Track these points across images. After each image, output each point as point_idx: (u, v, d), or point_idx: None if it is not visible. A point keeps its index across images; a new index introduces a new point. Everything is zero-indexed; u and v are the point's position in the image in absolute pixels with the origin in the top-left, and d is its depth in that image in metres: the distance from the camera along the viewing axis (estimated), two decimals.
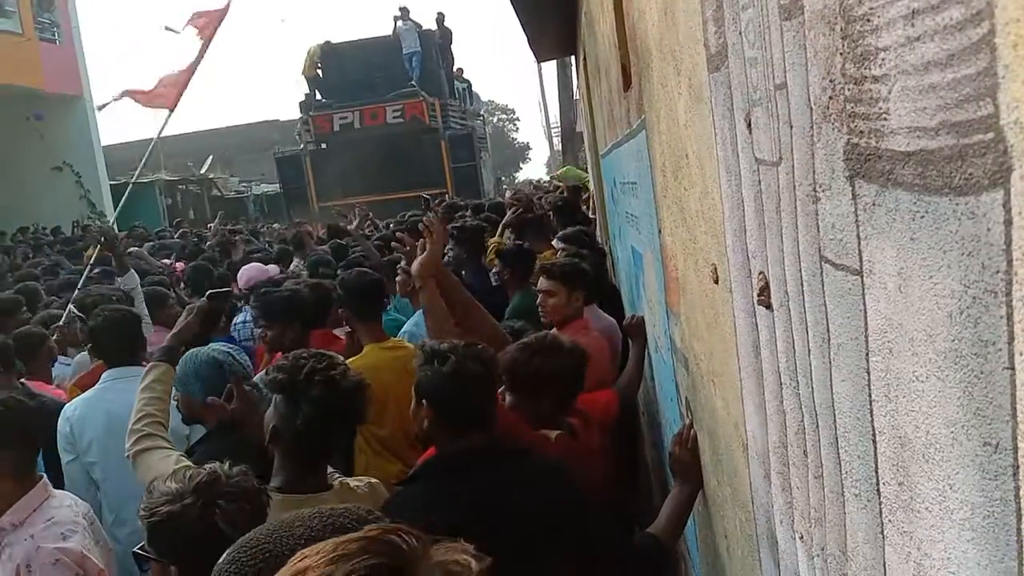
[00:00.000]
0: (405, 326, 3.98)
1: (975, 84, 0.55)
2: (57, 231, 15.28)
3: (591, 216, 8.02)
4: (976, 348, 0.58)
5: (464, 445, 2.07)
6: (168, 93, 6.32)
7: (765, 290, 1.13)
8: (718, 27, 1.24)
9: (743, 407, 1.43)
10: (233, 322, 4.58)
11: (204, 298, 2.73)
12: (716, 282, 1.53)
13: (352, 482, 2.17)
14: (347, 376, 2.06)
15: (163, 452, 2.21)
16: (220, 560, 1.07)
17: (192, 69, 6.33)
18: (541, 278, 3.46)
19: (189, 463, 2.10)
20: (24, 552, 2.14)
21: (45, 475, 2.35)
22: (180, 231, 14.41)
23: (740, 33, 1.11)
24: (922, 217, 0.64)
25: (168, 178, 22.68)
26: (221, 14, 6.49)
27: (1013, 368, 0.54)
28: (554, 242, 5.54)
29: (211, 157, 27.59)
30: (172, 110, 6.29)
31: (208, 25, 6.42)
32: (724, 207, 1.35)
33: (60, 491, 2.38)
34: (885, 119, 0.68)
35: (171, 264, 8.52)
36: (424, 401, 2.11)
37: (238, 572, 1.02)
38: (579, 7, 5.80)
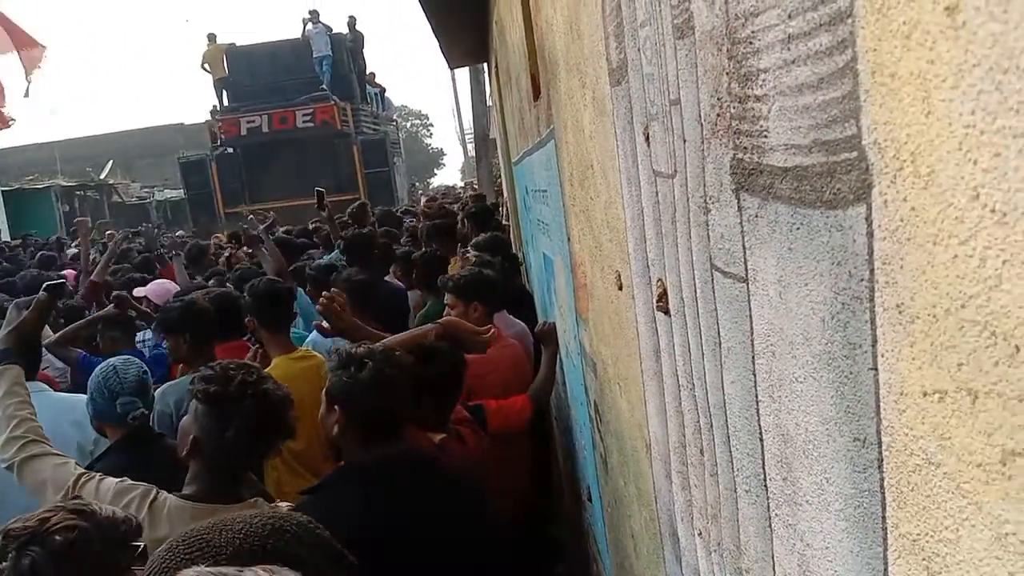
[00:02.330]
0: (311, 336, 3.92)
1: (841, 106, 0.60)
2: None
3: (504, 222, 8.08)
4: (846, 351, 0.63)
5: (374, 454, 2.06)
6: None
7: (663, 296, 1.18)
8: (619, 43, 1.29)
9: (646, 409, 1.47)
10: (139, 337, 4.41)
11: (42, 291, 2.59)
12: (620, 289, 1.57)
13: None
14: (276, 388, 2.01)
15: (57, 459, 2.05)
16: (159, 549, 1.07)
17: None
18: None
19: (99, 473, 2.01)
20: None
21: None
22: (76, 240, 13.78)
23: (639, 50, 1.16)
24: (798, 229, 0.69)
25: (65, 184, 21.65)
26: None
27: (877, 369, 0.59)
28: (468, 248, 5.55)
29: (111, 162, 26.54)
30: None
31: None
32: (626, 216, 1.40)
33: None
34: (766, 136, 0.73)
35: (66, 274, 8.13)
36: (336, 406, 2.09)
37: (172, 559, 1.02)
38: (491, 16, 5.85)
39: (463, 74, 15.66)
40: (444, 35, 7.65)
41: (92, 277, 5.41)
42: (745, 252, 0.82)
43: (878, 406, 0.59)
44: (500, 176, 11.52)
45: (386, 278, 5.02)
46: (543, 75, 2.63)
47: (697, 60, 0.90)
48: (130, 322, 4.22)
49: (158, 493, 1.92)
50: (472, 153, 21.14)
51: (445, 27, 7.17)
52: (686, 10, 0.92)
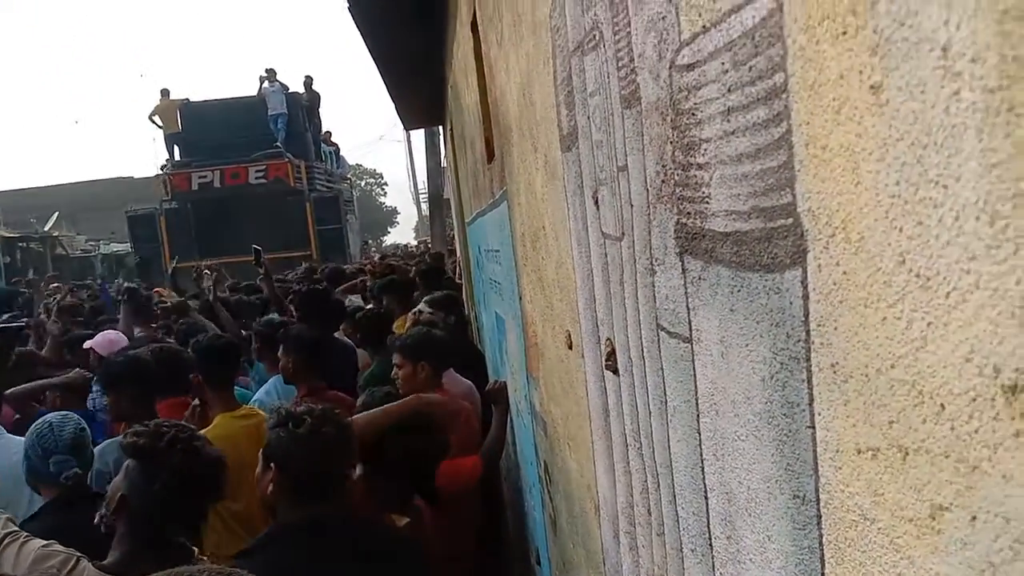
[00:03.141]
0: (257, 394, 3.84)
1: (777, 175, 0.63)
2: None
3: (458, 280, 8.11)
4: (785, 409, 0.65)
5: (306, 513, 2.00)
6: None
7: (612, 356, 1.20)
8: (569, 111, 1.33)
9: (595, 469, 1.48)
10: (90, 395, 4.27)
11: None
12: (570, 348, 1.59)
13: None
14: (208, 447, 1.96)
15: None
16: None
17: None
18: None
19: (27, 535, 1.92)
20: None
21: None
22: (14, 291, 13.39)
23: (588, 117, 1.20)
24: (739, 291, 0.71)
25: (7, 235, 21.12)
26: None
27: (814, 427, 0.61)
28: (420, 306, 5.53)
29: (56, 214, 26.01)
30: None
31: None
32: (576, 277, 1.42)
33: None
34: (707, 202, 0.76)
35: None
36: (272, 464, 2.04)
37: None
38: (446, 80, 5.96)
39: (418, 135, 15.84)
40: (400, 97, 7.76)
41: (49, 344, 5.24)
42: (689, 313, 0.84)
43: (816, 464, 0.61)
44: (454, 235, 11.59)
45: (336, 335, 4.96)
46: (497, 139, 2.68)
47: (643, 129, 0.93)
48: (86, 384, 4.10)
49: (79, 562, 1.83)
50: (426, 212, 21.24)
51: (401, 89, 7.28)
52: (632, 82, 0.96)
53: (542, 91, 1.58)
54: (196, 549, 1.96)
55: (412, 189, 37.24)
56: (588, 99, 1.18)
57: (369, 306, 5.94)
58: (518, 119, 2.00)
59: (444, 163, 13.10)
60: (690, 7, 0.76)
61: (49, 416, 2.61)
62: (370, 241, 35.22)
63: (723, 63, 0.70)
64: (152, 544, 1.85)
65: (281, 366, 3.64)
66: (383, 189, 59.86)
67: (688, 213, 0.80)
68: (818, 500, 0.61)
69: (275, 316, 5.01)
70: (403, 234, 56.52)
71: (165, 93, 18.52)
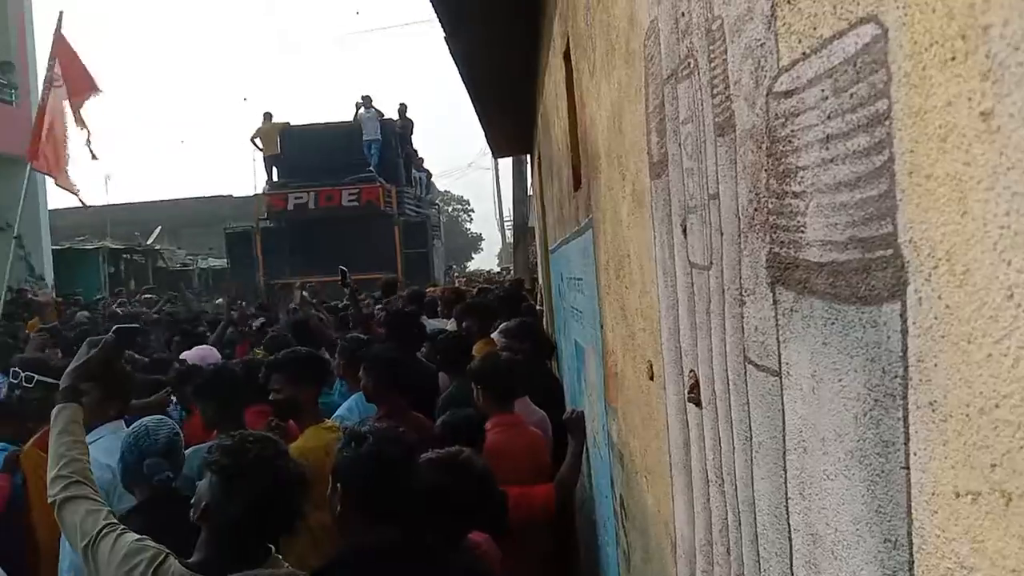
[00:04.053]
0: (339, 410, 3.91)
1: (878, 204, 0.61)
2: None
3: (538, 307, 8.11)
4: (878, 448, 0.62)
5: (373, 539, 1.98)
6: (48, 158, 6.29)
7: (695, 388, 1.17)
8: (660, 138, 1.32)
9: (673, 504, 1.45)
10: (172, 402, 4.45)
11: (111, 332, 2.57)
12: (652, 379, 1.57)
13: None
14: (290, 467, 1.98)
15: (91, 504, 2.03)
16: None
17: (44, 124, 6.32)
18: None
19: (124, 528, 1.99)
20: None
21: None
22: (118, 300, 14.10)
23: (679, 145, 1.19)
24: (833, 323, 0.69)
25: (113, 246, 22.27)
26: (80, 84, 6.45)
27: (909, 468, 0.58)
28: (494, 334, 5.55)
29: (159, 228, 27.28)
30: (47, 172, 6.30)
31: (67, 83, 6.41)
32: (660, 306, 1.40)
33: None
34: (802, 232, 0.74)
35: None
36: (338, 484, 2.06)
37: None
38: (536, 109, 6.02)
39: (506, 164, 16.02)
40: (491, 125, 7.88)
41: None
42: (779, 345, 0.82)
43: (909, 506, 0.58)
44: (536, 263, 11.63)
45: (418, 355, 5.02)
46: (584, 167, 2.69)
47: (736, 156, 0.92)
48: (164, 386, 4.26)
49: (167, 558, 1.90)
50: (510, 239, 21.41)
51: (492, 118, 7.39)
52: (727, 109, 0.95)
53: (632, 119, 1.58)
54: (279, 556, 2.00)
55: (497, 216, 37.63)
56: (680, 127, 1.18)
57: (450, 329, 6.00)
58: (607, 147, 2.01)
59: (530, 192, 13.20)
60: (790, 34, 0.75)
61: (146, 420, 2.72)
62: (454, 266, 35.69)
63: (823, 90, 0.69)
64: (230, 552, 1.89)
65: (362, 386, 3.70)
66: (469, 215, 60.65)
67: (781, 242, 0.79)
68: (911, 545, 0.58)
69: (360, 335, 5.10)
70: (487, 261, 57.02)
71: (268, 116, 19.29)
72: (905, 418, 0.58)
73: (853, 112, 0.64)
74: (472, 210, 60.81)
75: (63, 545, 2.75)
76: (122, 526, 1.99)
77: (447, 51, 5.16)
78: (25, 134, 17.90)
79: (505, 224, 34.14)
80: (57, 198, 23.65)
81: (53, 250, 18.70)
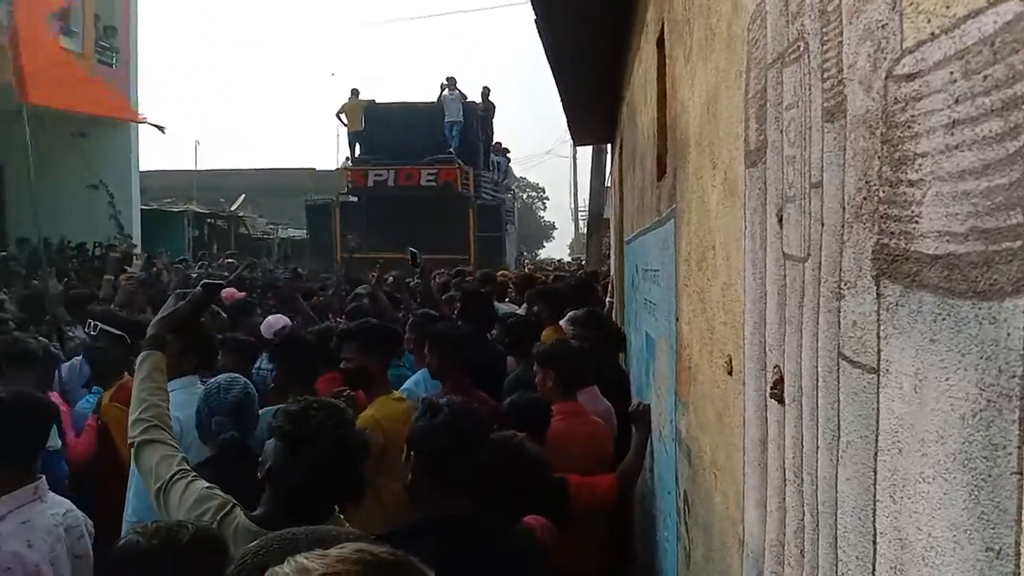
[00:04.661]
0: (406, 383, 3.95)
1: (1007, 194, 0.57)
2: (82, 247, 15.46)
3: (608, 299, 8.05)
4: (986, 451, 0.59)
5: (443, 509, 2.01)
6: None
7: (779, 384, 1.14)
8: (759, 125, 1.28)
9: (743, 503, 1.41)
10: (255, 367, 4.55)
11: (199, 287, 2.63)
12: (730, 373, 1.53)
13: None
14: (353, 435, 2.02)
15: (167, 450, 2.11)
16: (250, 546, 1.16)
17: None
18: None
19: (195, 475, 2.06)
20: None
21: (43, 478, 2.31)
22: (200, 263, 14.56)
23: (781, 131, 1.15)
24: (943, 319, 0.65)
25: (198, 210, 23.01)
26: None
27: (1021, 473, 0.55)
28: (562, 322, 5.53)
29: (243, 196, 28.05)
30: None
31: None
32: (746, 299, 1.37)
33: (57, 497, 2.34)
34: (916, 222, 0.70)
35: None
36: (412, 453, 2.09)
37: (265, 553, 1.09)
38: (622, 98, 5.95)
39: (584, 154, 15.93)
40: (574, 113, 7.82)
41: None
42: (879, 341, 0.78)
43: (1020, 514, 0.55)
44: (609, 254, 11.55)
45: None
46: (671, 155, 2.64)
47: (846, 143, 0.88)
48: (252, 346, 4.37)
49: (233, 508, 1.96)
50: (583, 229, 21.29)
51: (576, 105, 7.34)
52: (839, 93, 0.91)
53: (729, 105, 1.54)
54: (341, 516, 2.03)
55: (572, 206, 37.50)
56: (783, 112, 1.14)
57: (520, 312, 6.00)
58: (698, 135, 1.96)
59: (608, 182, 13.10)
60: (917, 13, 0.71)
61: (221, 378, 2.80)
62: (525, 253, 35.73)
63: (951, 72, 0.65)
64: (291, 511, 1.93)
65: (427, 362, 3.73)
66: (544, 203, 60.58)
67: (891, 233, 0.75)
68: (1018, 555, 0.55)
69: (431, 311, 5.15)
70: (558, 249, 56.90)
71: (355, 93, 19.59)
72: (1021, 420, 0.55)
73: (986, 95, 0.60)
74: (547, 198, 60.72)
75: (130, 491, 2.86)
76: (194, 473, 2.06)
77: (536, 35, 5.14)
78: (124, 97, 18.69)
79: (579, 214, 34.02)
80: (148, 161, 24.54)
81: (142, 210, 19.45)
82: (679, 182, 2.38)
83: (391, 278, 7.80)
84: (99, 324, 3.74)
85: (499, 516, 2.10)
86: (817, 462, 0.97)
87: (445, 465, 2.06)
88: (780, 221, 1.13)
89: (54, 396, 3.87)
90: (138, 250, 16.10)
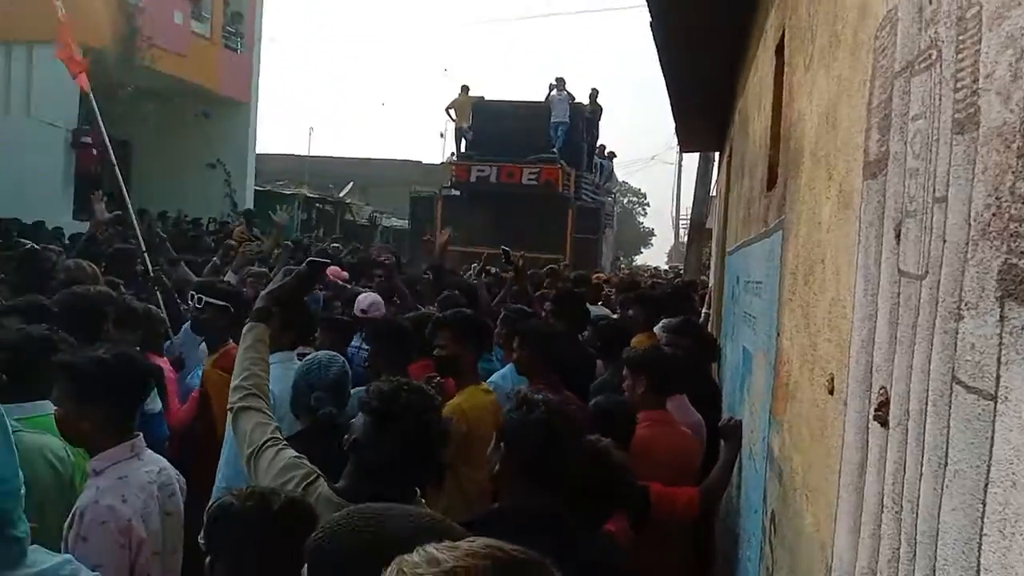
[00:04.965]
0: (493, 376, 3.97)
1: None
2: (197, 223, 16.24)
3: (704, 311, 7.91)
4: None
5: (528, 504, 2.01)
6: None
7: (884, 406, 1.09)
8: (881, 135, 1.23)
9: (835, 527, 1.36)
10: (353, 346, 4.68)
11: (305, 264, 2.71)
12: (831, 393, 1.48)
13: None
14: (437, 421, 2.05)
15: (262, 418, 2.21)
16: (334, 516, 1.19)
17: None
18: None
19: (285, 444, 2.14)
20: (86, 500, 2.22)
21: (140, 435, 2.43)
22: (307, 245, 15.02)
23: (905, 143, 1.10)
24: None
25: (308, 194, 23.83)
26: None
27: None
28: (656, 328, 5.45)
29: (351, 184, 28.86)
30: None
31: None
32: (854, 316, 1.31)
33: (152, 455, 2.45)
34: None
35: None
36: (503, 444, 2.10)
37: (351, 529, 1.12)
38: (734, 105, 5.82)
39: (690, 163, 15.68)
40: (683, 119, 7.70)
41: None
42: (999, 366, 0.74)
43: None
44: (708, 264, 11.32)
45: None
46: (783, 165, 2.57)
47: (977, 156, 0.84)
48: (349, 325, 4.50)
49: (317, 479, 2.02)
50: (683, 238, 20.94)
51: (686, 111, 7.22)
52: (972, 104, 0.86)
53: (850, 115, 1.48)
54: (423, 500, 2.07)
55: (673, 214, 36.97)
56: (908, 123, 1.09)
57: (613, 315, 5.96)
58: (813, 145, 1.90)
59: (713, 192, 12.84)
60: None
61: (320, 354, 2.89)
62: (622, 257, 35.42)
63: None
64: (371, 486, 1.97)
65: (515, 358, 3.75)
66: (644, 209, 59.98)
67: (1021, 252, 0.71)
68: None
69: (524, 307, 5.18)
70: (655, 257, 56.26)
71: (465, 89, 19.87)
72: None
73: None
74: (648, 204, 60.08)
75: (222, 457, 2.98)
76: (284, 442, 2.15)
77: (649, 39, 5.08)
78: (246, 80, 19.55)
79: (681, 222, 33.49)
80: (264, 144, 25.52)
81: (255, 190, 20.28)
82: (790, 193, 2.31)
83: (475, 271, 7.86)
84: (202, 296, 3.93)
85: (583, 517, 2.09)
86: (919, 490, 0.93)
87: (535, 461, 2.06)
88: (897, 236, 1.08)
89: (163, 361, 4.09)
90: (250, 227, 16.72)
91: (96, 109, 6.61)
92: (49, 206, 13.75)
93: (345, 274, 7.61)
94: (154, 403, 3.55)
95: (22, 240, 8.90)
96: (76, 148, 14.83)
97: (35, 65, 14.85)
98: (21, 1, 14.41)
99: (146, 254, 6.06)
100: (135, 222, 6.38)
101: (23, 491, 2.17)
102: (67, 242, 9.71)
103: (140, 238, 6.21)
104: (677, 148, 18.87)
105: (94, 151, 15.00)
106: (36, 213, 12.33)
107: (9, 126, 14.77)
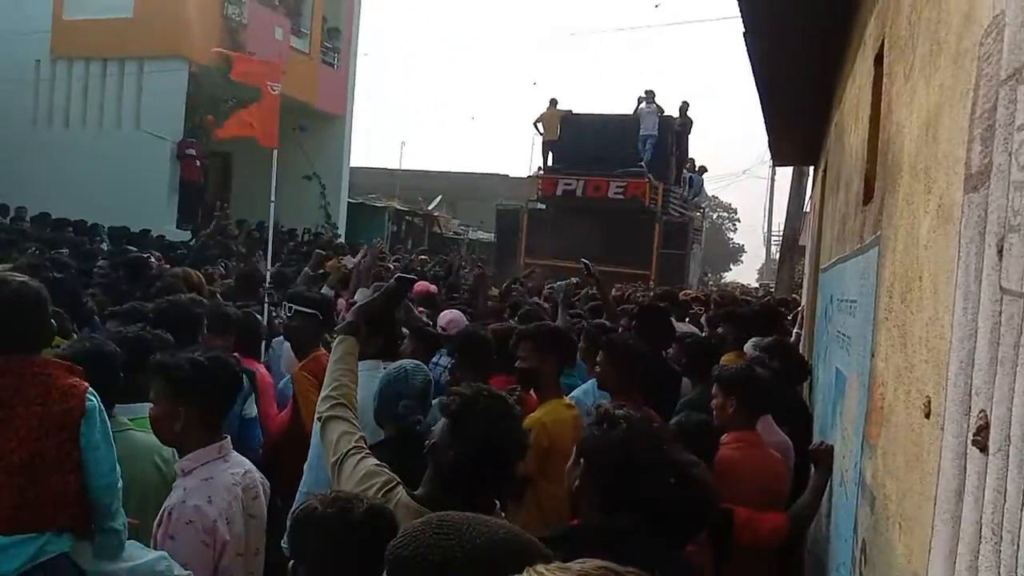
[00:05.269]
0: (575, 391, 3.94)
1: None
2: (292, 233, 16.77)
3: (796, 330, 7.67)
4: None
5: (606, 522, 1.97)
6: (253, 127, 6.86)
7: (984, 430, 1.03)
8: (984, 147, 1.17)
9: (929, 558, 1.29)
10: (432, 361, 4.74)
11: (393, 280, 2.80)
12: (927, 416, 1.41)
13: None
14: (514, 429, 2.04)
15: (348, 427, 2.27)
16: (413, 523, 1.19)
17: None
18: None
19: (368, 452, 2.19)
20: (174, 499, 2.30)
21: (227, 438, 2.51)
22: (396, 256, 15.31)
23: (1010, 154, 1.04)
24: None
25: (398, 207, 24.33)
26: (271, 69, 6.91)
27: None
28: (746, 346, 5.31)
29: (440, 197, 29.30)
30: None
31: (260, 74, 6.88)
32: (953, 336, 1.25)
33: (238, 457, 2.53)
34: None
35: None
36: (582, 460, 2.08)
37: (429, 537, 1.13)
38: (829, 118, 5.66)
39: (783, 178, 15.32)
40: (776, 131, 7.52)
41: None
42: None
43: None
44: (801, 283, 11.00)
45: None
46: (880, 179, 2.47)
47: None
48: (435, 338, 4.58)
49: (396, 486, 2.06)
50: (775, 255, 20.43)
51: (780, 123, 7.05)
52: None
53: (951, 126, 1.42)
54: (503, 514, 2.06)
55: (765, 230, 36.09)
56: (1014, 133, 1.03)
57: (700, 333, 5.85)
58: (912, 157, 1.82)
59: (807, 207, 12.49)
60: None
61: (406, 363, 2.93)
62: (709, 274, 34.75)
63: None
64: (448, 492, 1.97)
65: (598, 372, 3.70)
66: (734, 225, 58.71)
67: None
68: None
69: (605, 322, 5.13)
70: (745, 274, 54.92)
71: (553, 103, 19.94)
72: None
73: None
74: (738, 219, 58.79)
75: (307, 463, 3.05)
76: (367, 450, 2.19)
77: (742, 51, 4.99)
78: (342, 95, 20.15)
79: (773, 238, 32.66)
80: (358, 157, 26.22)
81: (348, 203, 20.83)
82: (887, 207, 2.22)
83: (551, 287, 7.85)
84: (293, 306, 4.07)
85: (663, 538, 2.04)
86: (1021, 519, 0.87)
87: (615, 479, 2.02)
88: (1000, 252, 1.03)
89: (260, 367, 4.22)
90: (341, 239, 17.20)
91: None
92: (154, 215, 14.46)
93: (433, 288, 7.72)
94: (250, 408, 3.68)
95: (130, 248, 9.41)
96: (180, 159, 15.54)
97: (145, 81, 15.68)
98: (133, 21, 15.32)
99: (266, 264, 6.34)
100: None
101: (121, 486, 2.28)
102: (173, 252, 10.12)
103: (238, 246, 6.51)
104: (770, 162, 18.44)
105: (197, 163, 15.77)
106: (142, 222, 12.99)
107: (120, 139, 15.62)
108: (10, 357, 2.19)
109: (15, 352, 2.20)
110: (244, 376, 3.20)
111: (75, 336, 3.49)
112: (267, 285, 6.20)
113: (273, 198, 6.98)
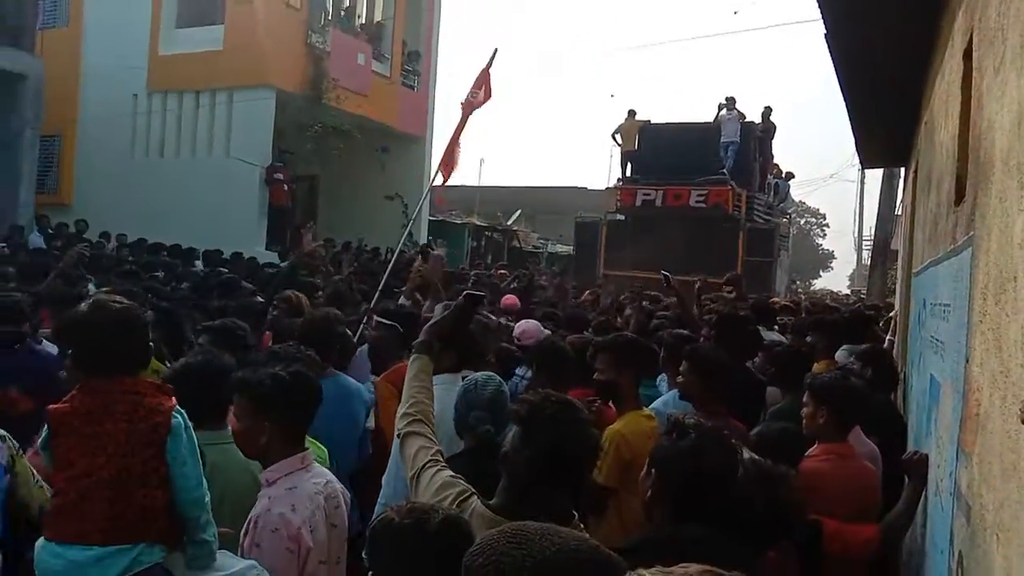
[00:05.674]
0: (655, 403, 3.89)
1: None
2: (376, 251, 17.14)
3: (890, 338, 7.40)
4: None
5: (679, 532, 1.94)
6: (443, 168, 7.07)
7: None
8: None
9: None
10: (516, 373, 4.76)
11: (462, 297, 2.85)
12: None
13: None
14: (583, 434, 2.02)
15: (425, 441, 2.32)
16: (489, 533, 1.22)
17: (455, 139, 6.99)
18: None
19: (444, 464, 2.23)
20: (259, 508, 2.37)
21: (310, 449, 2.58)
22: (476, 272, 15.45)
23: None
24: None
25: (478, 223, 24.58)
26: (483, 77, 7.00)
27: None
28: (838, 354, 5.15)
29: (519, 212, 29.46)
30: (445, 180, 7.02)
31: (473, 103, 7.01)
32: None
33: (319, 467, 2.60)
34: None
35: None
36: (653, 470, 2.06)
37: (503, 546, 1.15)
38: (919, 117, 5.46)
39: (873, 182, 14.83)
40: (864, 132, 7.28)
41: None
42: None
43: None
44: (894, 288, 10.60)
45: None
46: (972, 177, 2.38)
47: None
48: (512, 353, 4.64)
49: (471, 496, 2.09)
50: (867, 261, 19.75)
51: (867, 124, 6.82)
52: None
53: None
54: (581, 525, 2.05)
55: (855, 234, 34.95)
56: None
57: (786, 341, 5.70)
58: (1004, 153, 1.75)
59: (899, 210, 12.04)
60: None
61: (478, 375, 2.97)
62: (798, 282, 33.79)
63: None
64: (521, 501, 1.98)
65: (680, 382, 3.65)
66: (823, 230, 56.93)
67: None
68: None
69: (685, 332, 5.05)
70: (836, 280, 53.19)
71: (631, 114, 19.82)
72: None
73: None
74: (827, 225, 56.96)
75: (385, 476, 3.11)
76: (443, 462, 2.24)
77: (824, 53, 4.86)
78: (422, 117, 20.56)
79: (864, 243, 31.58)
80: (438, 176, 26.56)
81: (430, 220, 21.17)
82: (979, 207, 2.13)
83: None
84: (376, 318, 4.24)
85: (740, 546, 2.00)
86: None
87: (685, 489, 2.00)
88: None
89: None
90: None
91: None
92: (245, 237, 15.00)
93: (517, 302, 7.77)
94: (370, 420, 3.89)
95: (222, 269, 9.80)
96: (269, 184, 16.11)
97: (234, 110, 16.34)
98: (222, 53, 16.01)
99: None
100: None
101: (209, 499, 2.37)
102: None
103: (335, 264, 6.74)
104: (858, 165, 17.87)
105: (285, 187, 16.31)
106: (234, 244, 13.50)
107: (212, 166, 16.30)
108: (102, 377, 2.30)
109: (109, 373, 2.30)
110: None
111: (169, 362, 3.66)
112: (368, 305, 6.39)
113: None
